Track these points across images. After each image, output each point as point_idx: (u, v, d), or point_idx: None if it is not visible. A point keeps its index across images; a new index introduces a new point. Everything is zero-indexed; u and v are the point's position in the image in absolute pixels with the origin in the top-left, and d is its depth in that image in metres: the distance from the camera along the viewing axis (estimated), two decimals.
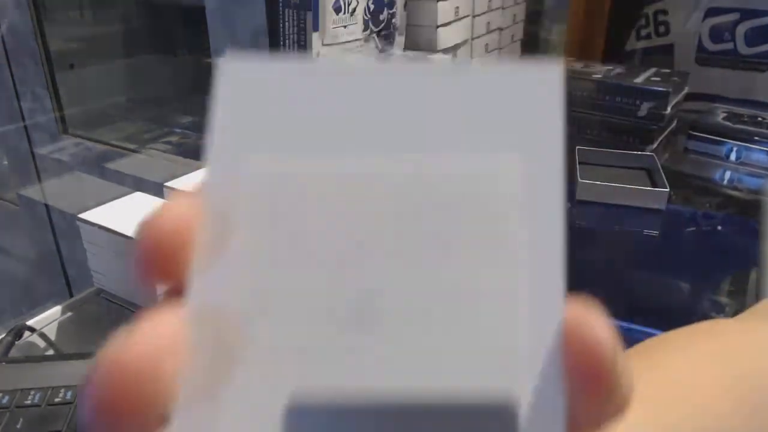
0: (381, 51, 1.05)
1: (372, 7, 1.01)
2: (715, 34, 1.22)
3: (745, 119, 1.02)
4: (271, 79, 0.17)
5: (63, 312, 0.68)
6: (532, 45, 1.47)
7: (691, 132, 1.03)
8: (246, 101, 0.17)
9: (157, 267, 0.16)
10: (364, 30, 1.01)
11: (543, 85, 0.18)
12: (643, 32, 1.34)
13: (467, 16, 1.17)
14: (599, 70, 1.18)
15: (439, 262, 0.17)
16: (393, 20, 1.06)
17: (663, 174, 0.87)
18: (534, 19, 1.47)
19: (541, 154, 0.17)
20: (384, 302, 0.16)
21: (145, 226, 0.16)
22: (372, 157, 0.17)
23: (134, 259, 0.16)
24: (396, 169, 0.17)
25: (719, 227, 0.89)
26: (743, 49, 1.19)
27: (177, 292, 0.16)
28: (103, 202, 0.66)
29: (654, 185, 0.87)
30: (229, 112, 0.17)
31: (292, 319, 0.16)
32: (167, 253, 0.16)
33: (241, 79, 0.17)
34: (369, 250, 0.17)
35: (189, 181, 0.69)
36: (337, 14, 0.95)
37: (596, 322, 0.15)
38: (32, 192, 1.11)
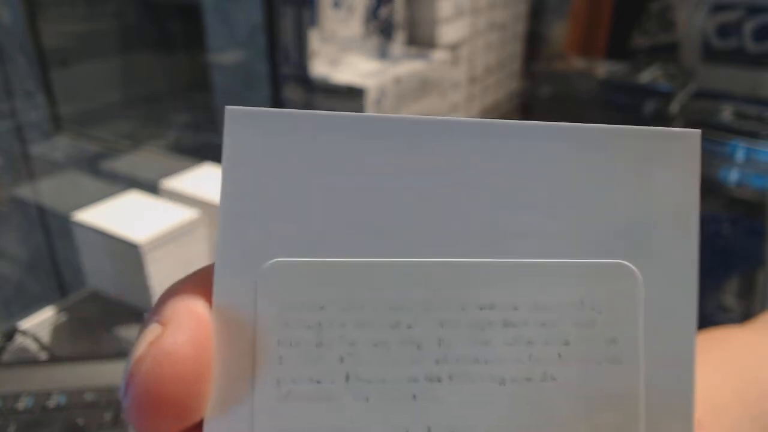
0: (380, 47, 1.03)
1: (371, 2, 1.00)
2: (722, 31, 1.21)
3: (752, 117, 1.01)
4: (293, 147, 0.14)
5: (56, 314, 0.66)
6: (533, 41, 1.46)
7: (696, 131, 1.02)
8: (265, 176, 0.14)
9: (163, 412, 0.13)
10: (363, 26, 1.00)
11: (676, 172, 0.14)
12: (648, 29, 1.32)
13: (468, 12, 1.16)
14: (603, 68, 1.17)
15: (539, 386, 0.14)
16: (392, 16, 1.05)
17: None
18: (536, 15, 1.46)
19: (672, 264, 0.14)
20: None
21: (149, 359, 0.13)
22: (436, 249, 0.14)
23: (132, 405, 0.13)
24: (472, 270, 0.14)
25: (725, 228, 0.88)
26: (750, 46, 1.18)
27: None
28: (97, 202, 0.65)
29: None
30: (241, 192, 0.14)
31: None
32: (179, 392, 0.13)
33: (257, 148, 0.14)
34: (447, 377, 0.14)
35: (184, 183, 0.68)
36: (335, 10, 0.94)
37: None
38: (25, 191, 1.10)
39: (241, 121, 0.14)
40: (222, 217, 0.14)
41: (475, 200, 0.14)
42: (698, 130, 0.14)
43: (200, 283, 0.14)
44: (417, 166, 0.14)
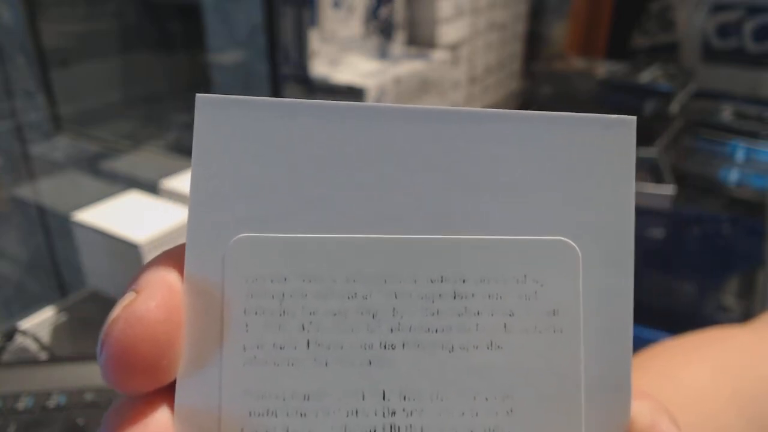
0: (380, 47, 1.03)
1: (371, 2, 1.00)
2: (722, 31, 1.20)
3: (752, 117, 1.01)
4: (259, 129, 0.15)
5: (56, 313, 0.66)
6: (533, 41, 1.46)
7: (696, 131, 1.02)
8: (232, 158, 0.15)
9: (135, 369, 0.14)
10: (363, 26, 1.00)
11: (614, 157, 0.16)
12: (648, 29, 1.32)
13: (468, 12, 1.16)
14: (603, 68, 1.17)
15: (485, 354, 0.15)
16: (392, 16, 1.05)
17: (668, 173, 0.86)
18: (536, 15, 1.46)
19: (610, 241, 0.15)
20: (419, 406, 0.15)
21: (121, 321, 0.14)
22: (391, 226, 0.15)
23: (106, 362, 0.14)
24: (424, 245, 0.15)
25: (725, 227, 0.88)
26: (750, 46, 1.18)
27: (157, 400, 0.14)
28: (97, 202, 0.65)
29: (659, 185, 0.86)
30: (210, 173, 0.15)
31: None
32: (150, 352, 0.14)
33: (225, 132, 0.15)
34: (400, 345, 0.15)
35: (184, 183, 0.68)
36: (335, 10, 0.94)
37: (665, 427, 0.15)
38: (25, 191, 1.10)
39: (210, 108, 0.15)
40: (192, 196, 0.15)
41: (426, 181, 0.15)
42: (633, 117, 0.16)
43: (174, 257, 0.15)
44: (373, 150, 0.15)
